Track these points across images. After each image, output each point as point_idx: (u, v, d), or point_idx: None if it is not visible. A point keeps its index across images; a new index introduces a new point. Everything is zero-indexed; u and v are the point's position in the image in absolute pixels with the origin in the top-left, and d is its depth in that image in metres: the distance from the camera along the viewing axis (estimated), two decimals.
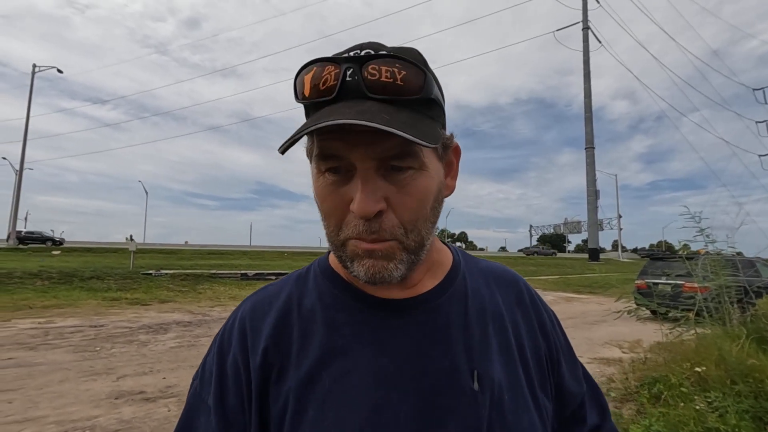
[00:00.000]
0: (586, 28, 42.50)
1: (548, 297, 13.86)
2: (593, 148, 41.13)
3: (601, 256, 46.62)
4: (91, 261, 17.54)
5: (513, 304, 0.60)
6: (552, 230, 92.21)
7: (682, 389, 3.27)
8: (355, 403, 0.47)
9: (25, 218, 77.00)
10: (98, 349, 5.68)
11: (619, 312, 4.33)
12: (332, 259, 0.57)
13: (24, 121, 31.33)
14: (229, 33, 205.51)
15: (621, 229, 60.01)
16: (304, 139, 0.48)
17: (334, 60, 0.44)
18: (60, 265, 14.46)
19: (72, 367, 4.77)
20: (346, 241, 0.46)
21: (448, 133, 0.53)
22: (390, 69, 0.43)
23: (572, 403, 0.62)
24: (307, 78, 0.44)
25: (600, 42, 43.35)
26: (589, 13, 42.79)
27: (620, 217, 60.31)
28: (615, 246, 73.14)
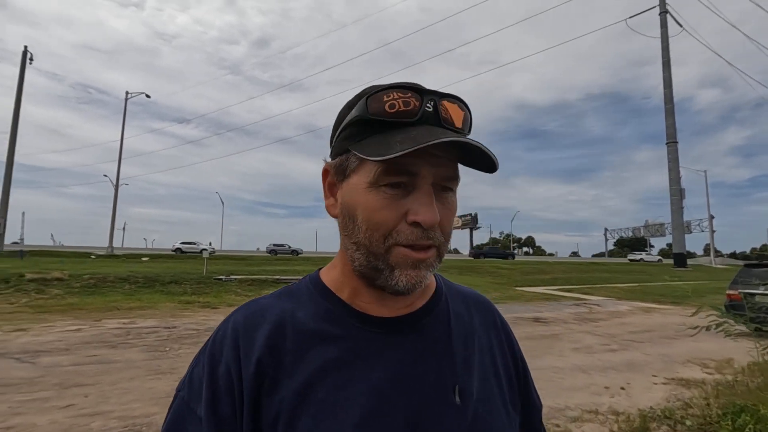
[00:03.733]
0: (663, 12, 38.73)
1: (622, 307, 12.68)
2: (676, 142, 37.18)
3: (690, 261, 41.89)
4: (172, 267, 19.19)
5: (488, 326, 0.65)
6: (631, 233, 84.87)
7: None
8: (348, 414, 0.49)
9: (123, 228, 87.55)
10: (167, 349, 6.15)
11: (695, 327, 3.78)
12: (326, 278, 0.60)
13: (119, 142, 35.44)
14: (295, 49, 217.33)
15: (714, 232, 53.34)
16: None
17: (415, 89, 0.50)
18: (145, 270, 16.00)
19: (142, 366, 5.21)
20: (391, 248, 0.49)
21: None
22: (457, 107, 0.52)
23: (536, 416, 0.68)
24: (388, 98, 0.49)
25: (681, 26, 39.31)
26: None
27: (712, 218, 53.67)
28: (707, 250, 65.53)
